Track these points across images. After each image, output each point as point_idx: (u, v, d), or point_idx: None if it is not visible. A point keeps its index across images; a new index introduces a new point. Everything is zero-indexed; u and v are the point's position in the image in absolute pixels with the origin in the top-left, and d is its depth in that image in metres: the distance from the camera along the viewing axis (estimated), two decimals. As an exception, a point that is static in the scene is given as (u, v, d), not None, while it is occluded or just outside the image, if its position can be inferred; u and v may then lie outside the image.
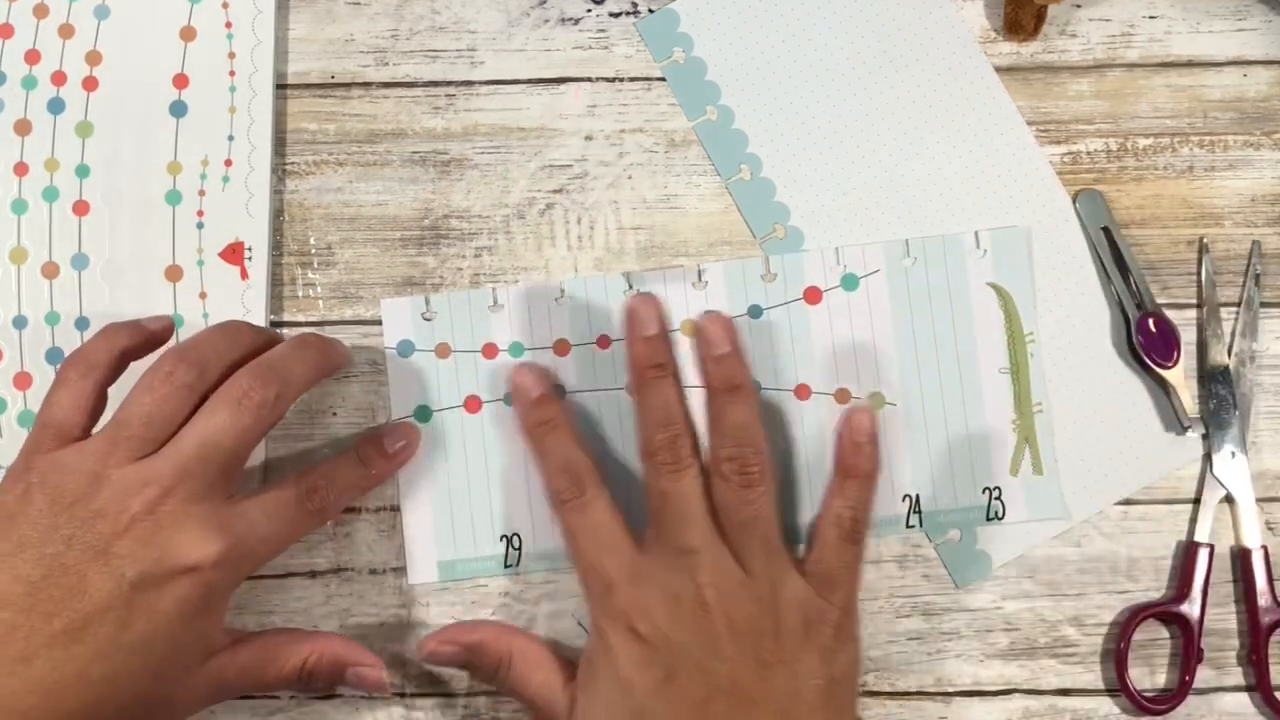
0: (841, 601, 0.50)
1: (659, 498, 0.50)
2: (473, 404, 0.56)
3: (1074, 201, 0.58)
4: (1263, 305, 0.58)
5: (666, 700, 0.47)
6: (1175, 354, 0.56)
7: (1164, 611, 0.55)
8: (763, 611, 0.48)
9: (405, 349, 0.57)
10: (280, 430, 0.56)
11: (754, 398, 0.51)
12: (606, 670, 0.49)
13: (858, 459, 0.52)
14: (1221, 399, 0.56)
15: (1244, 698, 0.56)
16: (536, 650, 0.53)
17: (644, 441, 0.51)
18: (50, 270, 0.56)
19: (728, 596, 0.48)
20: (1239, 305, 0.57)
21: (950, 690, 0.56)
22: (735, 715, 0.47)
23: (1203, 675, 0.56)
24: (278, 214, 0.58)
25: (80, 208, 0.56)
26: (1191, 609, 0.55)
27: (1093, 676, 0.56)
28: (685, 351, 0.55)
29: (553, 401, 0.53)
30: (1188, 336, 0.57)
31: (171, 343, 0.53)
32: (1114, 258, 0.57)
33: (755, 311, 0.57)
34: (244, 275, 0.56)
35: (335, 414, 0.57)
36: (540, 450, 0.53)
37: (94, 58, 0.57)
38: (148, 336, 0.52)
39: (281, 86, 0.58)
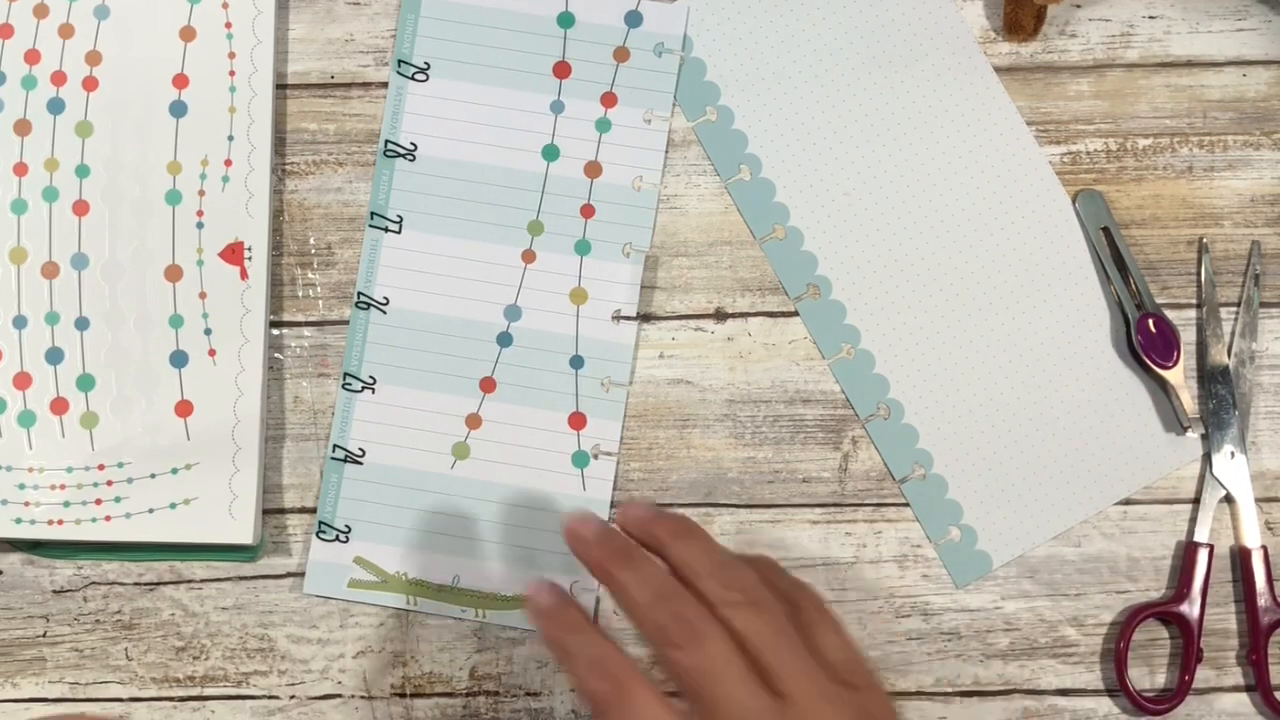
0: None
1: (695, 674, 0.44)
2: None
3: (1074, 201, 0.58)
4: (1262, 305, 0.57)
5: None
6: (1175, 354, 0.56)
7: (1164, 611, 0.55)
8: None
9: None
10: (281, 430, 0.56)
11: (703, 530, 0.48)
12: None
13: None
14: (1221, 399, 0.56)
15: (1244, 698, 0.56)
16: None
17: (645, 624, 0.45)
18: (50, 270, 0.56)
19: None
20: (1239, 305, 0.57)
21: (950, 690, 0.56)
22: None
23: (1202, 675, 0.56)
24: (278, 214, 0.58)
25: (80, 208, 0.56)
26: (1191, 609, 0.55)
27: (1092, 676, 0.56)
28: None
29: (569, 605, 0.47)
30: (1188, 336, 0.57)
31: None
32: (1114, 258, 0.57)
33: None
34: (244, 275, 0.56)
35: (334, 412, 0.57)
36: (564, 656, 0.47)
37: (94, 58, 0.57)
38: None
39: (281, 86, 0.58)
